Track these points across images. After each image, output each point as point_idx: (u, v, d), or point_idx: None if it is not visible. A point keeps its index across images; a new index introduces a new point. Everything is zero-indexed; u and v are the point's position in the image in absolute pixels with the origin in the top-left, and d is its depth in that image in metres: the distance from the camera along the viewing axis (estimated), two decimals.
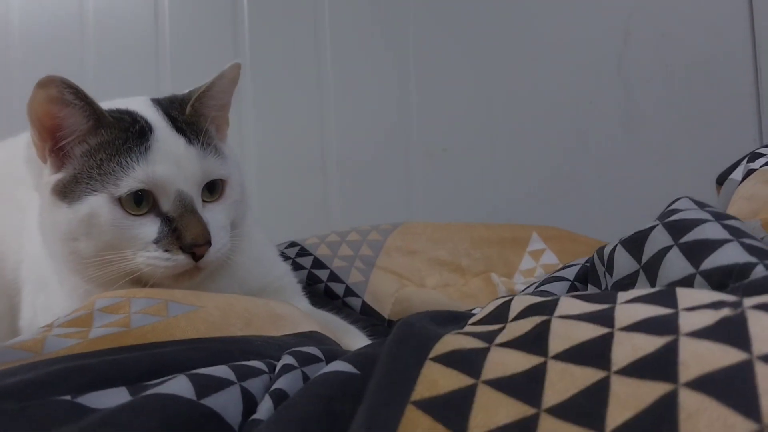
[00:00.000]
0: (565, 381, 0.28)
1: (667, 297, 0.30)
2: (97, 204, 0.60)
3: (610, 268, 0.51)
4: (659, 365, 0.26)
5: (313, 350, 0.47)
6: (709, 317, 0.27)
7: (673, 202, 0.52)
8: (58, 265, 0.67)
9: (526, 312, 0.36)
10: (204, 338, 0.48)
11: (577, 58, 1.30)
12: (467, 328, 0.39)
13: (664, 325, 0.28)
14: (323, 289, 1.01)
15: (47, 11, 1.47)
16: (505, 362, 0.31)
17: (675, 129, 1.25)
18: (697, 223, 0.44)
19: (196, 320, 0.50)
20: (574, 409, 0.27)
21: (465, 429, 0.29)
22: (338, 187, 1.39)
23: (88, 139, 0.62)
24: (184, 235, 0.60)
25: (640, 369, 0.26)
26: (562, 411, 0.27)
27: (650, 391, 0.25)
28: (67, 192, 0.61)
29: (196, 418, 0.36)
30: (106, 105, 0.65)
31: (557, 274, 0.62)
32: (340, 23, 1.40)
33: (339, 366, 0.39)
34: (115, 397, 0.38)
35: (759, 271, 0.36)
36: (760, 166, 0.74)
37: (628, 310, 0.31)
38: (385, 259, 1.08)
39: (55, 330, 0.48)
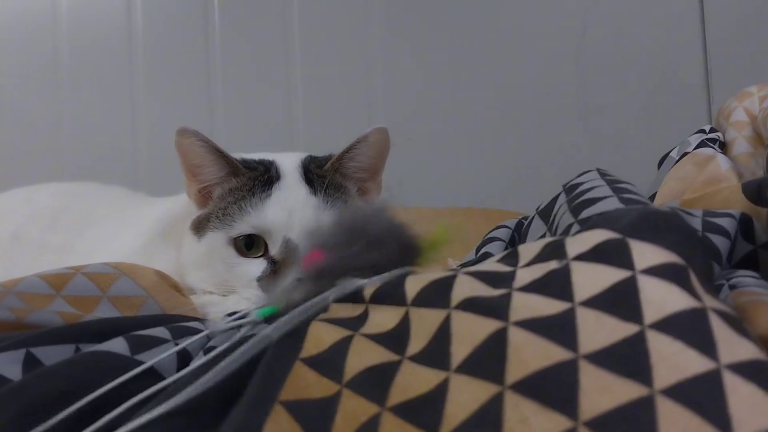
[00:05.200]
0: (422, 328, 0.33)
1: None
2: (215, 241, 0.66)
3: (524, 237, 0.55)
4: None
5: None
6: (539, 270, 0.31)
7: (581, 174, 0.56)
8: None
9: None
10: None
11: (537, 51, 1.34)
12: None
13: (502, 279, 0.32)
14: None
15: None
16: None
17: (629, 119, 1.29)
18: (591, 187, 0.48)
19: None
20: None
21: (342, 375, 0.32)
22: None
23: (223, 184, 0.69)
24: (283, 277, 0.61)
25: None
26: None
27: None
28: (198, 228, 0.69)
29: (129, 370, 0.39)
30: (260, 155, 0.72)
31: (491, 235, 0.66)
32: (309, 20, 1.43)
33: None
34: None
35: None
36: (693, 149, 0.78)
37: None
38: None
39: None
